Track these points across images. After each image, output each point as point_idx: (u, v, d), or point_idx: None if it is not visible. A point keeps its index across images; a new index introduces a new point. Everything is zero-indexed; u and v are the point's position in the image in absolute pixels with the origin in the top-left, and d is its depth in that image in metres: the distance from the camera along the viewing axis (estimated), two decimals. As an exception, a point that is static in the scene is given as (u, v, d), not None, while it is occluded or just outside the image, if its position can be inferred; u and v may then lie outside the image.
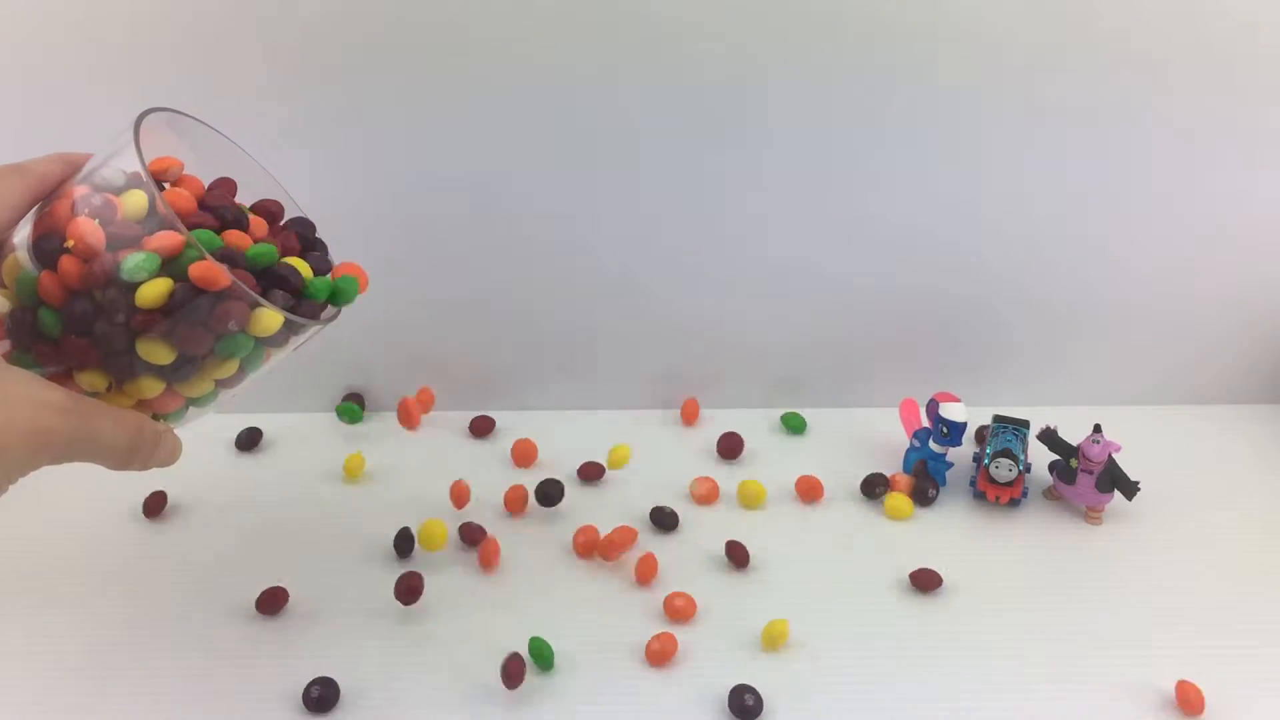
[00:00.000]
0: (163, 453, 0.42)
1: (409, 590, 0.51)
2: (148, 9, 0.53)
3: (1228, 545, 0.55)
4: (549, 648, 0.48)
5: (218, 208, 0.43)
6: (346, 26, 0.53)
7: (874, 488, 0.58)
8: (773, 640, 0.49)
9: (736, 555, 0.54)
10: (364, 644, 0.50)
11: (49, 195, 0.41)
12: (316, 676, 0.47)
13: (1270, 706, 0.47)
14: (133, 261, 0.38)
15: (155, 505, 0.57)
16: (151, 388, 0.41)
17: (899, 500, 0.57)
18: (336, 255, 0.46)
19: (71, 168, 0.42)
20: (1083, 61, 0.55)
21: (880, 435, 0.63)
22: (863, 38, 0.54)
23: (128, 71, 0.54)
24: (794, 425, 0.63)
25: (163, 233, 0.39)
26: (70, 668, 0.48)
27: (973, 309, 0.62)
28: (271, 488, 0.59)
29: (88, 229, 0.39)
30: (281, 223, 0.46)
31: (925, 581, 0.52)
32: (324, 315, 0.43)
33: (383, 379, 0.64)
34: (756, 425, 0.64)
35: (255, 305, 0.40)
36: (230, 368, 0.42)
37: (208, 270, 0.39)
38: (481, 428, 0.64)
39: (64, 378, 0.40)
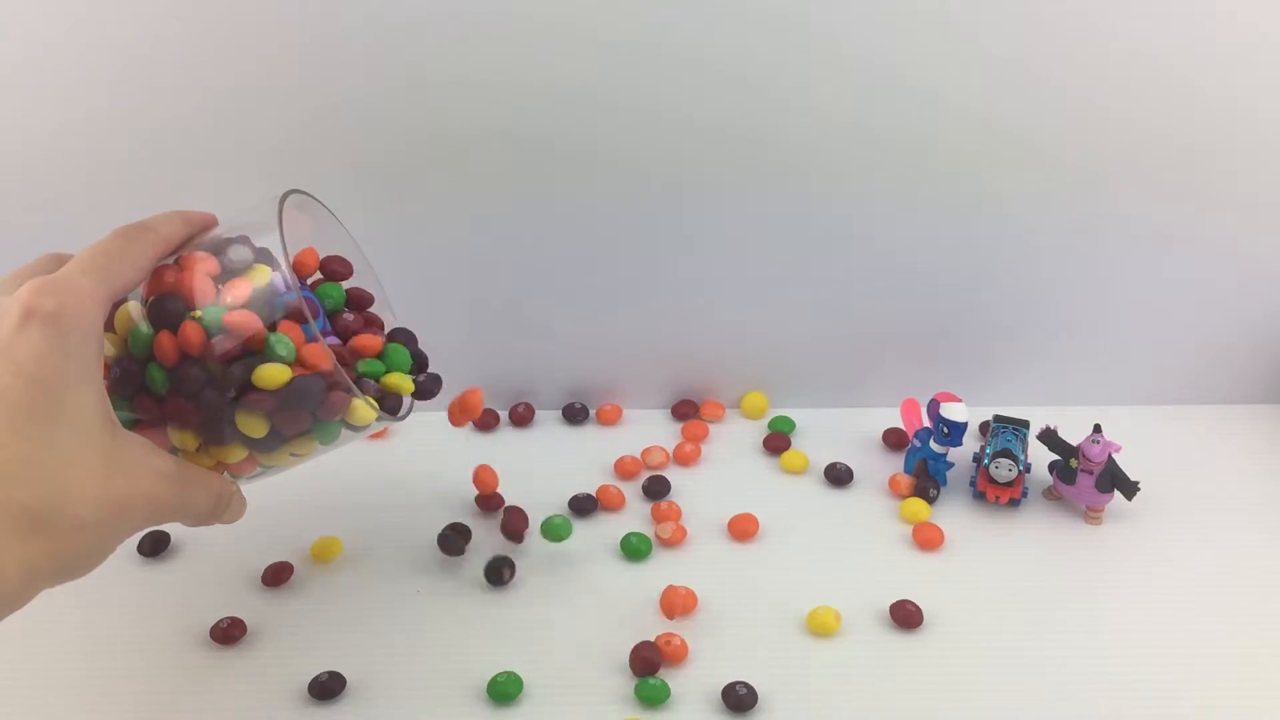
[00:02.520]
0: (232, 512, 0.44)
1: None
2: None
3: (1228, 545, 0.55)
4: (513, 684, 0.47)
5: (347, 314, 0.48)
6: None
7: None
8: (823, 626, 0.50)
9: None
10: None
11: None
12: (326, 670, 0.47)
13: (1271, 707, 0.47)
14: (280, 345, 0.41)
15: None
16: (236, 454, 0.43)
17: (916, 505, 0.57)
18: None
19: (192, 228, 0.44)
20: (1081, 57, 0.55)
21: (880, 435, 0.63)
22: (864, 42, 0.54)
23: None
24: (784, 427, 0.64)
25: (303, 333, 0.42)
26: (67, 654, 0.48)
27: (973, 309, 0.62)
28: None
29: (247, 320, 0.41)
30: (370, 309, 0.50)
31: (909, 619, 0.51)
32: (403, 412, 0.47)
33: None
34: (756, 427, 0.64)
35: (353, 396, 0.43)
36: (311, 445, 0.44)
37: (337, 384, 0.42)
38: (489, 422, 0.64)
39: (154, 428, 0.42)
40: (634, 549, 0.54)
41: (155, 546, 0.54)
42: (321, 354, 0.42)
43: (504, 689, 0.47)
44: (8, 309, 0.37)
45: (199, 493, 0.42)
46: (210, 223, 0.45)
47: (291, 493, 0.58)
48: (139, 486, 0.39)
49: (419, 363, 0.49)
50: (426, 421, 0.63)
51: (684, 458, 0.61)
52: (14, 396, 0.36)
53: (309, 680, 0.47)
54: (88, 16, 0.53)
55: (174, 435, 0.42)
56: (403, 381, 0.46)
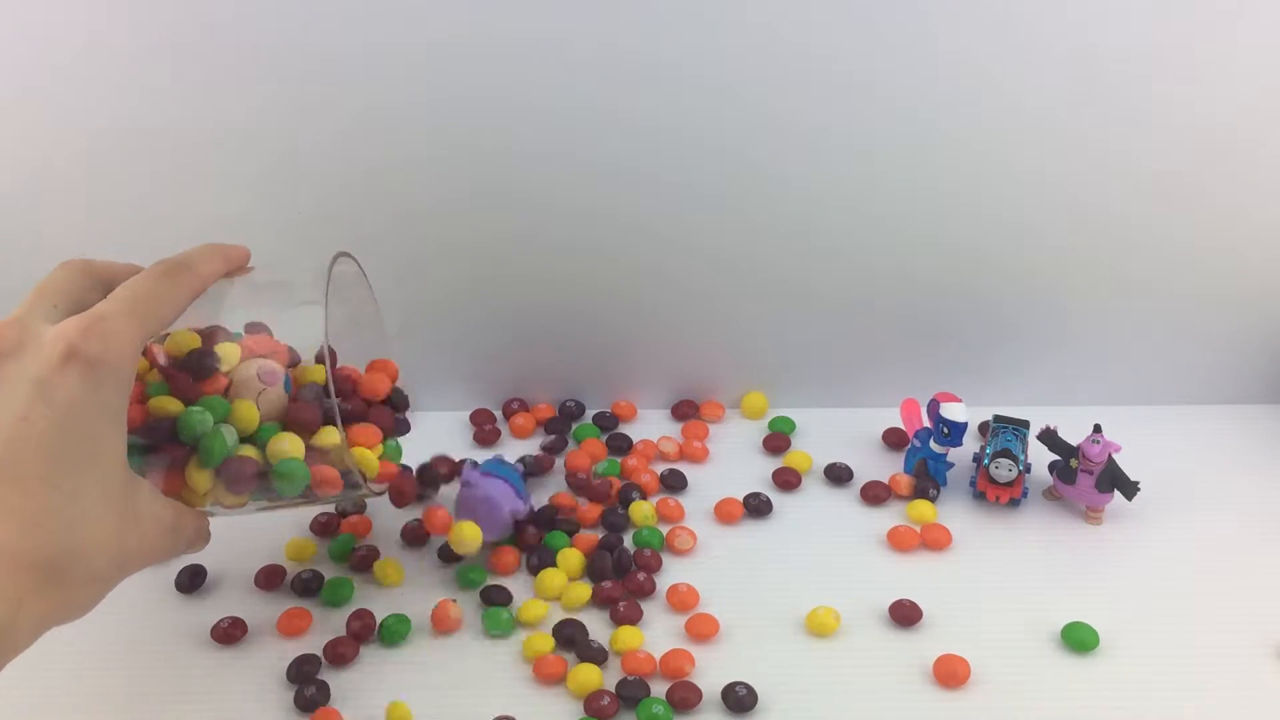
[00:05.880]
0: (200, 544, 0.45)
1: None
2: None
3: (1228, 545, 0.55)
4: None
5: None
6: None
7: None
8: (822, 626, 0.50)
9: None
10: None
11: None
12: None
13: (1270, 707, 0.47)
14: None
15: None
16: (239, 500, 0.44)
17: (923, 506, 0.57)
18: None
19: (229, 264, 0.44)
20: (1081, 56, 0.55)
21: (880, 435, 0.63)
22: (862, 43, 0.54)
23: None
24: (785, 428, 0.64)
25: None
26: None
27: (973, 308, 0.62)
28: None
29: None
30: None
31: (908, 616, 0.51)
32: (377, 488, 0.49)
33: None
34: (756, 427, 0.64)
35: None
36: (300, 504, 0.47)
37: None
38: (481, 420, 0.64)
39: (171, 472, 0.43)
40: (642, 540, 0.54)
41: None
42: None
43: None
44: (50, 343, 0.37)
45: (185, 536, 0.42)
46: (244, 258, 0.45)
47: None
48: (146, 538, 0.39)
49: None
50: (432, 422, 0.64)
51: (689, 455, 0.61)
52: (47, 442, 0.36)
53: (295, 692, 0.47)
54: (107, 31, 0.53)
55: (193, 478, 0.43)
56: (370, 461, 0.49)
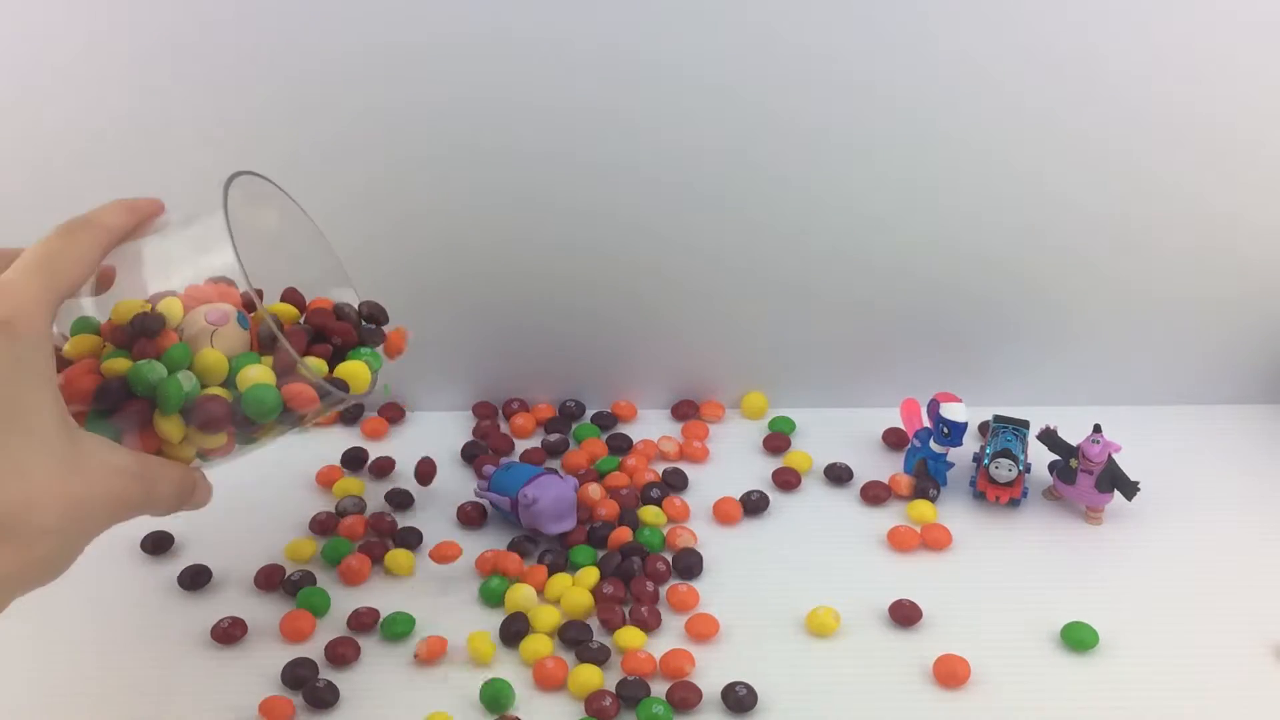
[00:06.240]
0: (198, 498, 0.44)
1: None
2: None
3: (1228, 545, 0.55)
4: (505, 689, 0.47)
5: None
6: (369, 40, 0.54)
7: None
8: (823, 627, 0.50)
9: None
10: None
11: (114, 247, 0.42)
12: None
13: (1270, 707, 0.47)
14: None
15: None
16: (219, 440, 0.43)
17: (923, 506, 0.57)
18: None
19: (138, 215, 0.43)
20: (1081, 56, 0.55)
21: (880, 435, 0.63)
22: (862, 44, 0.54)
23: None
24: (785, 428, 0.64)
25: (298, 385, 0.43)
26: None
27: (973, 309, 0.62)
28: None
29: (306, 396, 0.43)
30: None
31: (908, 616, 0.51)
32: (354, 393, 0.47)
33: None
34: (756, 427, 0.64)
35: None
36: (284, 430, 0.45)
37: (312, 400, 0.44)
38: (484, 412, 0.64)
39: (144, 430, 0.42)
40: (643, 539, 0.54)
41: (157, 545, 0.54)
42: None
43: (495, 691, 0.47)
44: None
45: (162, 485, 0.41)
46: (157, 210, 0.45)
47: (295, 491, 0.58)
48: (99, 486, 0.38)
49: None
50: (432, 422, 0.64)
51: (689, 455, 0.61)
52: None
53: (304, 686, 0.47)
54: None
55: (162, 429, 0.42)
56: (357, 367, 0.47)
